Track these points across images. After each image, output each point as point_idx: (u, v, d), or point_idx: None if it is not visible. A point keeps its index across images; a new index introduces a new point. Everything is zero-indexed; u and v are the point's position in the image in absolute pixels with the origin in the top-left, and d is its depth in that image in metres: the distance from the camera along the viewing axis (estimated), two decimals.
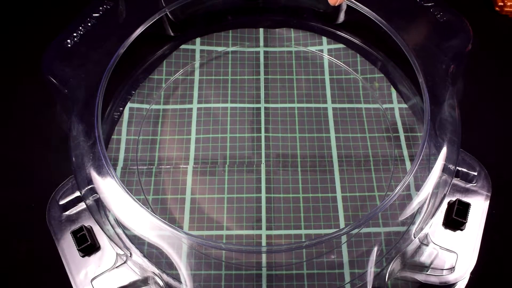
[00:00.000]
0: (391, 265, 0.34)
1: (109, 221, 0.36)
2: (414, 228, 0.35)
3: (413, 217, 0.36)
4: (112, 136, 0.43)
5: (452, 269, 0.35)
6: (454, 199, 0.37)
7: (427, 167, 0.37)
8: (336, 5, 0.36)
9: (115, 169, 0.40)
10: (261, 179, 0.41)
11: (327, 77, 0.47)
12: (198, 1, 0.49)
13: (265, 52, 0.48)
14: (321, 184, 0.40)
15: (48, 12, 0.52)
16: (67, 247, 0.36)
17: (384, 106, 0.45)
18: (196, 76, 0.47)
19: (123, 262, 0.35)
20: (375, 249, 0.36)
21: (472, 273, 0.35)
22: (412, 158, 0.41)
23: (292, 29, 0.50)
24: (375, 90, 0.46)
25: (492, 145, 0.43)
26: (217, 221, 0.39)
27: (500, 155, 0.43)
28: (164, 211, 0.39)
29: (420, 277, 0.35)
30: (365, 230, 0.38)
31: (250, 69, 0.47)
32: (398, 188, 0.34)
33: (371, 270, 0.35)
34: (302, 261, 0.37)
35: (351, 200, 0.40)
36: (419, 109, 0.44)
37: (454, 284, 0.35)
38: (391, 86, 0.46)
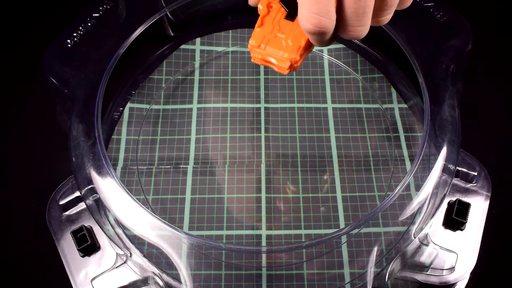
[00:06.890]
0: (391, 265, 0.34)
1: (109, 221, 0.36)
2: (414, 228, 0.35)
3: (413, 217, 0.36)
4: (112, 136, 0.43)
5: (452, 269, 0.35)
6: (454, 199, 0.37)
7: (427, 167, 0.37)
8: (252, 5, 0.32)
9: (115, 169, 0.40)
10: (261, 179, 0.41)
11: (327, 77, 0.47)
12: (198, 1, 0.49)
13: None
14: (321, 184, 0.40)
15: (48, 12, 0.52)
16: (67, 247, 0.36)
17: (384, 106, 0.45)
18: (196, 76, 0.47)
19: (123, 262, 0.35)
20: (375, 249, 0.36)
21: (472, 273, 0.35)
22: (412, 158, 0.41)
23: None
24: (375, 90, 0.46)
25: (492, 145, 0.43)
26: (217, 221, 0.39)
27: (500, 155, 0.43)
28: (164, 211, 0.39)
29: (420, 277, 0.35)
30: (365, 230, 0.38)
31: (250, 69, 0.47)
32: (398, 188, 0.34)
33: (371, 270, 0.35)
34: (302, 261, 0.37)
35: (351, 200, 0.40)
36: (419, 109, 0.44)
37: (454, 284, 0.35)
38: (391, 86, 0.46)
